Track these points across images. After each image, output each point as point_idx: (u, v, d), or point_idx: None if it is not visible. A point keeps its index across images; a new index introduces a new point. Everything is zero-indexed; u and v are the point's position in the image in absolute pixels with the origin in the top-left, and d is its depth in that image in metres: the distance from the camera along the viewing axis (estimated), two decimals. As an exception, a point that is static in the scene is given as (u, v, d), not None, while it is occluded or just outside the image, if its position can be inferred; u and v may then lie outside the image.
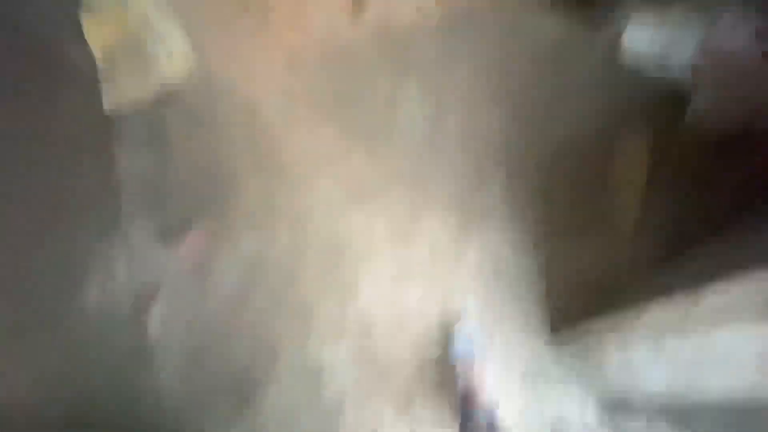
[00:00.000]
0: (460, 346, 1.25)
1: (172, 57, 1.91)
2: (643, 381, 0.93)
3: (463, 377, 1.15)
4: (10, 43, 1.80)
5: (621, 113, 1.52)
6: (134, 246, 1.50)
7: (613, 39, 1.59)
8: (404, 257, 1.42)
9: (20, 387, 1.34)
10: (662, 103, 1.51)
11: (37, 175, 1.59)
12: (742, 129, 1.41)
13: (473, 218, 1.43)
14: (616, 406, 1.16)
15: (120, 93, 1.83)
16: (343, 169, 1.54)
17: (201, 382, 1.30)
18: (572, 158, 1.47)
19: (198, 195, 1.58)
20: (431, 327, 1.34)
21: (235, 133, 1.67)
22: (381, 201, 1.49)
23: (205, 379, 1.30)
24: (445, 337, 1.30)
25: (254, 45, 1.85)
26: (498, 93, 1.60)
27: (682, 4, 1.62)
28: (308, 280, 1.42)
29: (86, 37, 1.98)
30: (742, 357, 0.61)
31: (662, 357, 0.79)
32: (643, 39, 1.56)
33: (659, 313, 0.78)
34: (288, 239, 1.48)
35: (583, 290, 1.31)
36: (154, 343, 1.33)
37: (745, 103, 1.42)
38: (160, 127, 1.76)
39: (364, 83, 1.69)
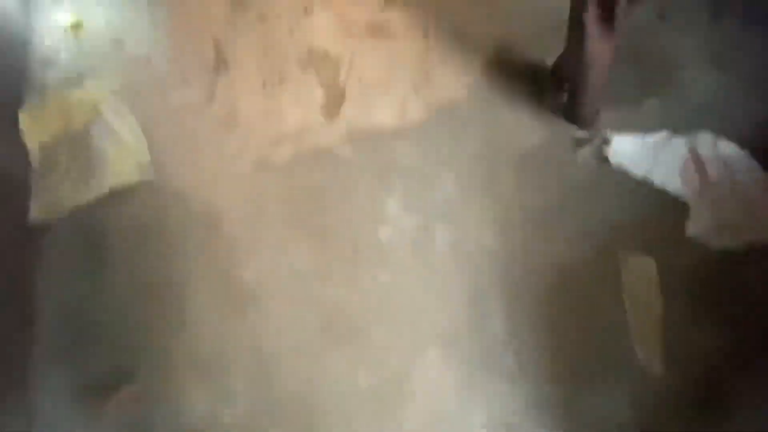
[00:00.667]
0: None
1: (124, 154, 1.69)
2: None
3: None
4: None
5: (620, 227, 1.40)
6: (45, 413, 1.15)
7: (599, 148, 1.52)
8: (394, 419, 1.15)
9: None
10: (662, 214, 1.41)
11: None
12: (755, 244, 1.31)
13: (475, 365, 1.20)
14: None
15: (54, 199, 1.56)
16: (319, 299, 1.30)
17: None
18: (577, 283, 1.30)
19: (138, 332, 1.29)
20: None
21: (190, 251, 1.42)
22: (363, 341, 1.24)
23: None
24: None
25: (219, 144, 1.67)
26: (486, 203, 1.45)
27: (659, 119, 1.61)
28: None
29: (22, 132, 1.74)
30: None
31: None
32: (627, 152, 1.50)
33: None
34: (247, 394, 1.19)
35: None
36: None
37: (749, 221, 1.33)
38: (97, 238, 1.48)
39: (341, 191, 1.52)
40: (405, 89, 1.80)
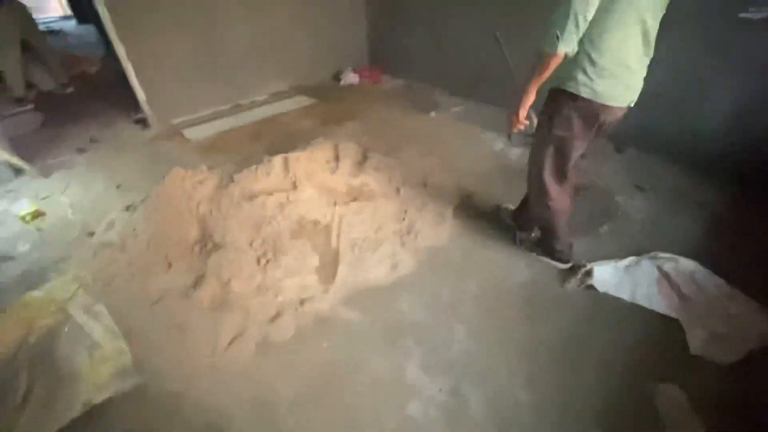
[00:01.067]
0: None
1: (99, 362, 1.48)
2: None
3: None
4: None
5: (633, 353, 1.44)
6: None
7: (583, 278, 1.67)
8: None
9: None
10: (662, 334, 1.49)
11: None
12: (754, 352, 1.40)
13: None
14: None
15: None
16: None
17: None
18: (619, 426, 1.27)
19: None
20: None
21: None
22: None
23: None
24: None
25: (213, 331, 1.53)
26: (505, 348, 1.46)
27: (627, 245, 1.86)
28: None
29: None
30: None
31: None
32: (609, 279, 1.65)
33: None
34: None
35: None
36: None
37: (741, 333, 1.44)
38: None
39: (354, 363, 1.43)
40: (392, 243, 1.90)
